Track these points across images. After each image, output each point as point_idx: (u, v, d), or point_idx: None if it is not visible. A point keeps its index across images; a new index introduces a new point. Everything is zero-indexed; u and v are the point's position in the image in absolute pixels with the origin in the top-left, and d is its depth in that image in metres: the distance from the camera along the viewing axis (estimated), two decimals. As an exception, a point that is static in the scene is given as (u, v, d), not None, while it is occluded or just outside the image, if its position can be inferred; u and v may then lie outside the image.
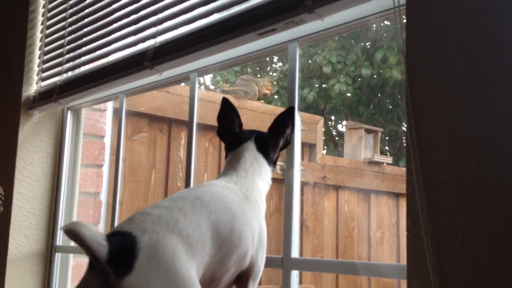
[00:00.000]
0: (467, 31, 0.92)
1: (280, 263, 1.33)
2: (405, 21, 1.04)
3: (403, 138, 6.08)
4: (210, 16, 1.46)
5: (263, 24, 1.28)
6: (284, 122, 1.27)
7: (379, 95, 5.78)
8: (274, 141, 1.27)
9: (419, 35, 1.00)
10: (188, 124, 1.66)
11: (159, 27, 1.58)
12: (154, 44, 1.58)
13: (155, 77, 1.69)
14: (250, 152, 1.23)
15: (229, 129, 1.28)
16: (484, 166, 0.87)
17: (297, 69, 1.42)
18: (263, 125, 3.53)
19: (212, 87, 6.36)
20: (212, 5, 1.44)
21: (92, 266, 0.89)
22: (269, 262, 1.17)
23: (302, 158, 3.45)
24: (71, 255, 2.06)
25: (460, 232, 0.88)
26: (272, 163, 1.27)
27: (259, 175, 1.21)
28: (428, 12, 0.99)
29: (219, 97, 3.10)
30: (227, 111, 1.29)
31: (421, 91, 0.98)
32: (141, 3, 1.66)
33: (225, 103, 1.29)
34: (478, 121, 0.89)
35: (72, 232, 0.82)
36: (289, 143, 1.31)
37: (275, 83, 5.68)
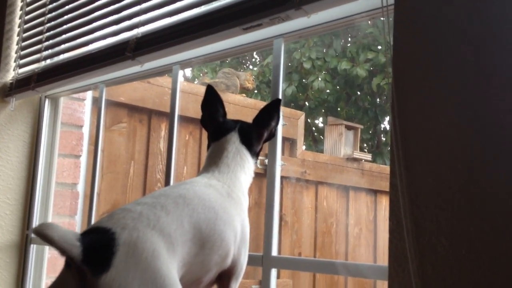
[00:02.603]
0: (456, 33, 0.92)
1: (261, 261, 1.32)
2: (392, 20, 1.03)
3: (381, 135, 6.13)
4: (195, 9, 1.43)
5: (248, 19, 1.26)
6: (269, 114, 1.25)
7: (358, 92, 5.81)
8: (258, 133, 1.25)
9: (406, 35, 0.99)
10: (170, 118, 1.64)
11: (142, 17, 1.54)
12: (136, 34, 1.54)
13: (136, 68, 1.65)
14: (233, 145, 1.20)
15: (212, 118, 1.25)
16: (469, 170, 0.86)
17: (282, 65, 1.41)
18: (244, 119, 3.51)
19: (194, 80, 6.31)
20: (196, -2, 1.41)
21: (68, 263, 0.87)
22: (249, 260, 1.16)
23: (283, 153, 3.44)
24: (47, 247, 2.02)
25: (443, 235, 0.87)
26: (255, 155, 1.25)
27: (241, 168, 1.19)
28: (416, 12, 0.98)
29: (200, 89, 3.08)
30: (212, 99, 1.25)
31: (407, 91, 0.97)
32: (124, -9, 1.62)
33: (210, 91, 1.25)
34: (464, 124, 0.88)
35: (42, 235, 0.81)
36: (273, 135, 1.29)
37: (254, 76, 5.67)
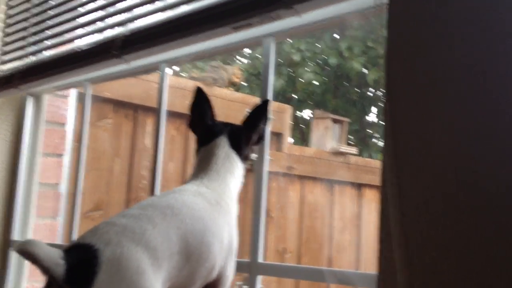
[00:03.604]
0: (450, 33, 0.90)
1: (248, 268, 1.30)
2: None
3: (367, 129, 6.15)
4: (183, 6, 1.40)
5: (239, 18, 1.23)
6: (258, 116, 1.23)
7: (346, 84, 5.82)
8: (247, 136, 1.22)
9: (401, 35, 0.97)
10: (156, 117, 1.61)
11: (129, 15, 1.51)
12: (123, 32, 1.51)
13: (123, 66, 1.62)
14: (223, 149, 1.17)
15: (201, 121, 1.22)
16: (460, 182, 0.85)
17: (272, 64, 1.38)
18: (232, 113, 3.50)
19: (182, 73, 6.26)
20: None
21: (50, 282, 0.83)
22: (236, 266, 1.13)
23: (269, 148, 3.43)
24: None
25: (433, 248, 0.86)
26: (245, 159, 1.23)
27: (231, 174, 1.16)
28: (411, 11, 0.96)
29: (187, 83, 3.04)
30: (200, 102, 1.23)
31: (401, 98, 0.95)
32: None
33: (199, 93, 1.23)
34: (454, 137, 0.87)
35: (25, 253, 0.78)
36: (262, 138, 1.26)
37: (244, 69, 5.64)
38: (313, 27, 1.29)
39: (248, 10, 1.22)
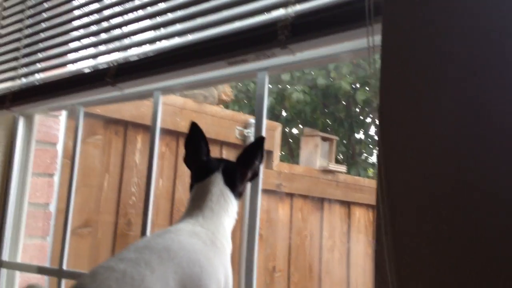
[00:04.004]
0: (443, 73, 0.92)
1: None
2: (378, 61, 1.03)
3: (356, 147, 6.16)
4: (180, 37, 1.41)
5: (233, 53, 1.24)
6: (253, 153, 1.24)
7: (334, 104, 5.84)
8: (242, 172, 1.23)
9: (393, 76, 0.99)
10: (150, 143, 1.61)
11: (124, 42, 1.51)
12: (117, 60, 1.51)
13: (117, 92, 1.62)
14: (217, 186, 1.18)
15: (196, 157, 1.23)
16: (456, 232, 0.86)
17: (266, 97, 1.39)
18: (222, 130, 3.47)
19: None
20: (183, 25, 1.39)
21: None
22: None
23: (259, 166, 3.43)
24: (18, 272, 1.96)
25: (426, 274, 0.87)
26: (239, 195, 1.23)
27: (225, 212, 1.17)
28: (403, 54, 0.98)
29: (177, 100, 3.05)
30: (195, 137, 1.23)
31: (394, 141, 0.96)
32: (106, 13, 1.59)
33: (194, 128, 1.23)
34: (447, 158, 0.88)
35: None
36: (257, 174, 1.27)
37: (233, 86, 5.64)
38: (306, 64, 1.30)
39: (244, 46, 1.23)
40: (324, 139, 4.20)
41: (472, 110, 0.88)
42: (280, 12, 1.21)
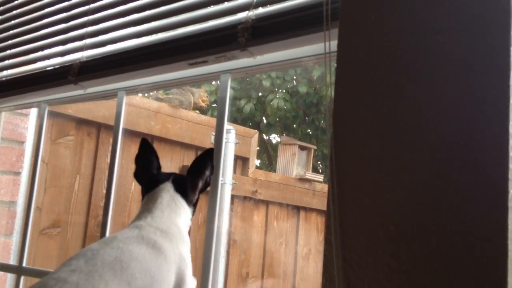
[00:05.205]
0: (398, 85, 0.92)
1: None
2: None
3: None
4: (143, 38, 1.40)
5: (194, 54, 1.24)
6: (203, 163, 1.24)
7: (314, 113, 5.85)
8: (193, 182, 1.23)
9: (347, 84, 0.99)
10: (112, 143, 1.60)
11: (88, 41, 1.50)
12: (80, 58, 1.50)
13: (80, 91, 1.60)
14: (168, 193, 1.17)
15: (146, 171, 1.23)
16: (401, 232, 0.86)
17: (228, 99, 1.39)
18: (198, 136, 3.46)
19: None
20: (145, 26, 1.38)
21: None
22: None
23: (234, 172, 3.42)
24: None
25: None
26: (192, 204, 1.23)
27: (177, 214, 1.16)
28: (358, 60, 0.98)
29: (151, 104, 3.03)
30: (146, 153, 1.24)
31: (346, 145, 0.96)
32: (72, 12, 1.57)
33: (144, 144, 1.24)
34: (397, 188, 0.88)
35: None
36: (208, 184, 1.27)
37: (211, 92, 5.61)
38: (267, 67, 1.30)
39: (204, 48, 1.23)
40: (302, 148, 4.21)
41: (425, 118, 0.88)
42: (242, 15, 1.21)
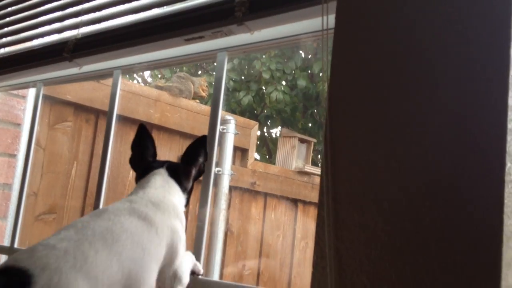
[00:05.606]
0: (394, 62, 0.89)
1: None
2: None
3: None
4: (138, 14, 1.38)
5: (190, 30, 1.22)
6: (196, 151, 1.22)
7: (315, 106, 5.81)
8: (186, 170, 1.21)
9: (344, 62, 0.96)
10: (106, 123, 1.58)
11: (83, 18, 1.48)
12: (76, 35, 1.48)
13: (76, 69, 1.58)
14: (161, 177, 1.16)
15: (142, 158, 1.21)
16: (395, 210, 0.84)
17: (224, 78, 1.37)
18: (197, 125, 3.43)
19: (150, 79, 6.20)
20: (141, 2, 1.36)
21: None
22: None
23: (233, 163, 3.40)
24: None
25: (365, 275, 0.85)
26: (186, 191, 1.21)
27: (171, 193, 1.14)
28: (356, 38, 0.96)
29: (151, 91, 3.01)
30: (142, 139, 1.21)
31: (341, 120, 0.94)
32: (68, -12, 1.55)
33: (142, 130, 1.22)
34: (392, 166, 0.86)
35: None
36: (202, 171, 1.25)
37: (210, 83, 5.58)
38: (265, 45, 1.28)
39: (200, 23, 1.20)
40: (302, 140, 4.19)
41: (424, 96, 0.86)
42: (239, -10, 1.18)
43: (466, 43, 0.80)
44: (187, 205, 1.21)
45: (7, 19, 1.77)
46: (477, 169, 0.75)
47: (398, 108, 0.87)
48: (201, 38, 1.24)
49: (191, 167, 1.21)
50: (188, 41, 1.26)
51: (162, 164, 1.20)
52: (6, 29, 1.78)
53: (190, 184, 1.22)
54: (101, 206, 1.56)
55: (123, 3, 1.38)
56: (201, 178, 1.29)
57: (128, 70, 1.56)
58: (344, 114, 0.94)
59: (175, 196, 1.15)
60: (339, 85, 0.96)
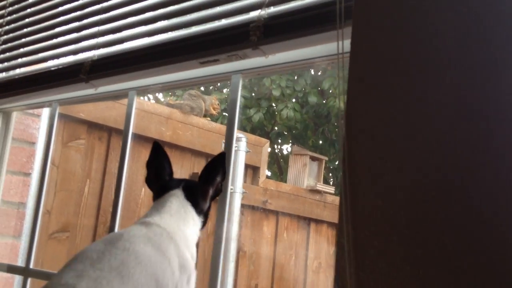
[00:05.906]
0: (408, 88, 0.89)
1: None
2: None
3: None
4: (154, 37, 1.39)
5: (205, 53, 1.23)
6: (214, 169, 1.20)
7: (325, 124, 5.80)
8: (203, 190, 1.19)
9: (360, 86, 0.96)
10: (122, 143, 1.58)
11: (99, 40, 1.50)
12: (92, 57, 1.49)
13: (91, 90, 1.60)
14: (177, 199, 1.14)
15: (158, 177, 1.20)
16: (415, 237, 0.83)
17: (239, 100, 1.37)
18: (208, 143, 3.43)
19: (161, 97, 6.23)
20: (157, 25, 1.37)
21: None
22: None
23: (245, 181, 3.39)
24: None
25: None
26: (203, 213, 1.19)
27: (185, 223, 1.13)
28: (371, 63, 0.96)
29: (163, 109, 3.03)
30: (158, 157, 1.20)
31: (359, 145, 0.94)
32: (84, 11, 1.57)
33: (156, 148, 1.20)
34: (411, 191, 0.85)
35: None
36: (220, 191, 1.23)
37: (223, 100, 5.60)
38: (279, 68, 1.28)
39: (215, 46, 1.21)
40: (313, 158, 4.18)
41: (442, 119, 0.86)
42: (254, 14, 1.19)
43: (485, 49, 0.80)
44: (203, 228, 1.19)
45: (23, 40, 1.79)
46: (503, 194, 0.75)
47: (418, 133, 0.87)
48: (216, 61, 1.24)
49: (209, 187, 1.20)
50: (203, 64, 1.27)
51: (178, 183, 1.19)
52: (22, 50, 1.80)
53: (207, 204, 1.21)
54: (116, 226, 1.56)
55: (139, 25, 1.40)
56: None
57: (143, 91, 1.57)
58: (362, 141, 0.94)
59: (189, 226, 1.14)
60: (355, 109, 0.96)
